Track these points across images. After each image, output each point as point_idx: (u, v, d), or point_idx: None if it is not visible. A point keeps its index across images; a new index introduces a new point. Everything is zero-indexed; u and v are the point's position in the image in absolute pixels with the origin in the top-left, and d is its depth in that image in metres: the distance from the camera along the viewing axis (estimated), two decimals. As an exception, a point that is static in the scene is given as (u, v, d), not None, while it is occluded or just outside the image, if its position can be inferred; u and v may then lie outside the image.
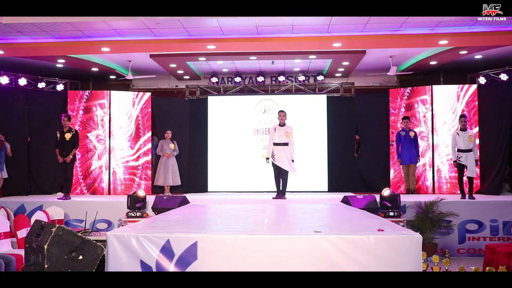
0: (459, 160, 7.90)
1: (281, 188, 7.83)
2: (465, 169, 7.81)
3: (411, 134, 9.03)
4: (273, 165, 7.83)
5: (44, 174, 9.53)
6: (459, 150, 7.89)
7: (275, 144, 7.78)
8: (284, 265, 3.17)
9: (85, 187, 9.58)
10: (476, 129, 7.79)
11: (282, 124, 7.86)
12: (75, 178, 9.35)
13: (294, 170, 7.78)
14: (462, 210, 7.17)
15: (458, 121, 8.26)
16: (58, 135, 8.20)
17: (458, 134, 7.99)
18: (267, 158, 7.91)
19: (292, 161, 7.80)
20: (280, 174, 7.83)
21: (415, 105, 9.66)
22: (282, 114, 7.92)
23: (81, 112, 9.71)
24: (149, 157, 9.97)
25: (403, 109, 9.76)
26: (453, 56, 9.47)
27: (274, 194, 7.89)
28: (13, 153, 8.87)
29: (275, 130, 7.86)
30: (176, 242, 3.25)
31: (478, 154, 8.02)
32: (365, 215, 4.90)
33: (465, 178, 7.89)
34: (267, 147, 8.35)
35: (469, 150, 7.83)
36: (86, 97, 9.76)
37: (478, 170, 8.69)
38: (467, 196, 7.78)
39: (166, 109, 10.46)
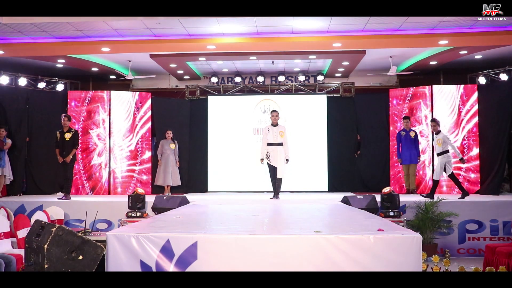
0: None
1: (275, 189, 7.81)
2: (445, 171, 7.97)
3: (412, 134, 9.02)
4: (268, 165, 7.83)
5: (43, 174, 9.53)
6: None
7: (269, 144, 7.76)
8: (284, 265, 3.17)
9: (86, 182, 9.58)
10: (441, 135, 7.85)
11: (275, 124, 7.86)
12: (78, 175, 9.39)
13: (283, 174, 7.76)
14: (462, 210, 7.17)
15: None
16: (58, 135, 8.20)
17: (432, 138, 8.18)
18: (262, 160, 7.89)
19: (287, 160, 7.79)
20: (276, 175, 7.81)
21: (415, 105, 9.66)
22: (275, 114, 7.91)
23: (80, 112, 9.71)
24: (149, 157, 9.97)
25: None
26: (453, 56, 9.47)
27: (272, 194, 7.88)
28: (12, 153, 8.88)
29: (268, 130, 7.84)
30: (176, 242, 3.25)
31: (457, 155, 7.99)
32: (365, 215, 4.90)
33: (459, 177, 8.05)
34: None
35: (439, 154, 7.94)
36: (87, 97, 9.76)
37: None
38: (467, 195, 7.79)
39: (166, 109, 10.46)
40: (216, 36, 7.93)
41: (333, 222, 4.64)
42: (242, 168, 10.21)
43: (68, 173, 8.28)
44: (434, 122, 8.10)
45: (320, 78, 11.06)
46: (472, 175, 9.15)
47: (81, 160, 9.51)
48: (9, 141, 8.72)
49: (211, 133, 10.54)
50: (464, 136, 9.24)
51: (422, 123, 9.54)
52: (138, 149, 9.90)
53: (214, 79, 11.26)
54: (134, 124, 9.89)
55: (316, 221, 4.57)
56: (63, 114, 8.49)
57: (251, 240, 3.28)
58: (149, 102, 10.07)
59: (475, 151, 9.16)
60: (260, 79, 11.04)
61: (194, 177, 10.37)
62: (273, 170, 7.78)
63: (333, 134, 10.29)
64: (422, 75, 10.92)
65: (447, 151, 7.89)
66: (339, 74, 11.39)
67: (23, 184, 9.38)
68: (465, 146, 9.22)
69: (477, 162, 9.14)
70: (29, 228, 4.04)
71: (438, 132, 8.00)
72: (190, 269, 3.21)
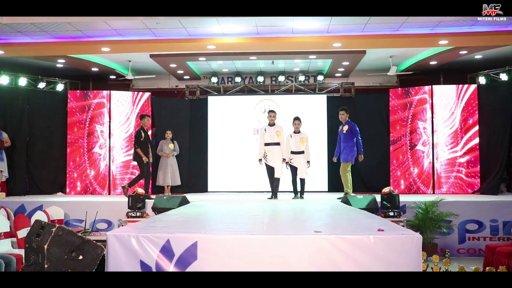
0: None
1: (273, 189, 7.80)
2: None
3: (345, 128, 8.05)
4: (266, 165, 7.83)
5: (44, 174, 9.54)
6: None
7: (266, 144, 7.76)
8: (284, 265, 3.17)
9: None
10: (304, 134, 7.89)
11: (272, 124, 7.87)
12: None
13: (280, 174, 7.76)
14: (462, 210, 7.17)
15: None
16: (143, 134, 8.33)
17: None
18: (260, 160, 7.89)
19: (284, 160, 7.79)
20: (273, 175, 7.80)
21: (415, 105, 9.65)
22: (272, 114, 7.93)
23: (80, 112, 9.71)
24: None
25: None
26: (453, 56, 9.47)
27: (270, 195, 7.87)
28: (12, 153, 8.87)
29: (265, 130, 7.85)
30: (176, 242, 3.25)
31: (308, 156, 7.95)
32: (365, 215, 4.90)
33: None
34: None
35: (302, 152, 7.87)
36: (86, 97, 9.75)
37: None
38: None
39: (166, 109, 10.46)
40: (216, 36, 7.93)
41: (333, 222, 4.64)
42: (242, 168, 10.21)
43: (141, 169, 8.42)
44: (298, 120, 8.00)
45: (320, 78, 11.06)
46: (472, 175, 9.14)
47: (87, 161, 9.52)
48: (4, 135, 8.61)
49: (211, 133, 10.54)
50: (464, 136, 9.23)
51: (422, 123, 9.53)
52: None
53: (214, 79, 11.25)
54: (134, 124, 9.88)
55: (316, 221, 4.57)
56: (145, 114, 8.69)
57: (251, 240, 3.28)
58: (149, 102, 10.07)
59: (475, 151, 9.15)
60: (260, 79, 11.04)
61: (194, 177, 10.37)
62: (270, 170, 7.78)
63: (333, 134, 10.27)
64: (422, 75, 10.91)
65: (303, 152, 7.86)
66: (339, 74, 11.38)
67: (26, 184, 9.38)
68: (465, 146, 9.21)
69: (477, 162, 9.13)
70: (29, 228, 4.04)
71: (299, 132, 7.96)
72: (190, 269, 3.21)
